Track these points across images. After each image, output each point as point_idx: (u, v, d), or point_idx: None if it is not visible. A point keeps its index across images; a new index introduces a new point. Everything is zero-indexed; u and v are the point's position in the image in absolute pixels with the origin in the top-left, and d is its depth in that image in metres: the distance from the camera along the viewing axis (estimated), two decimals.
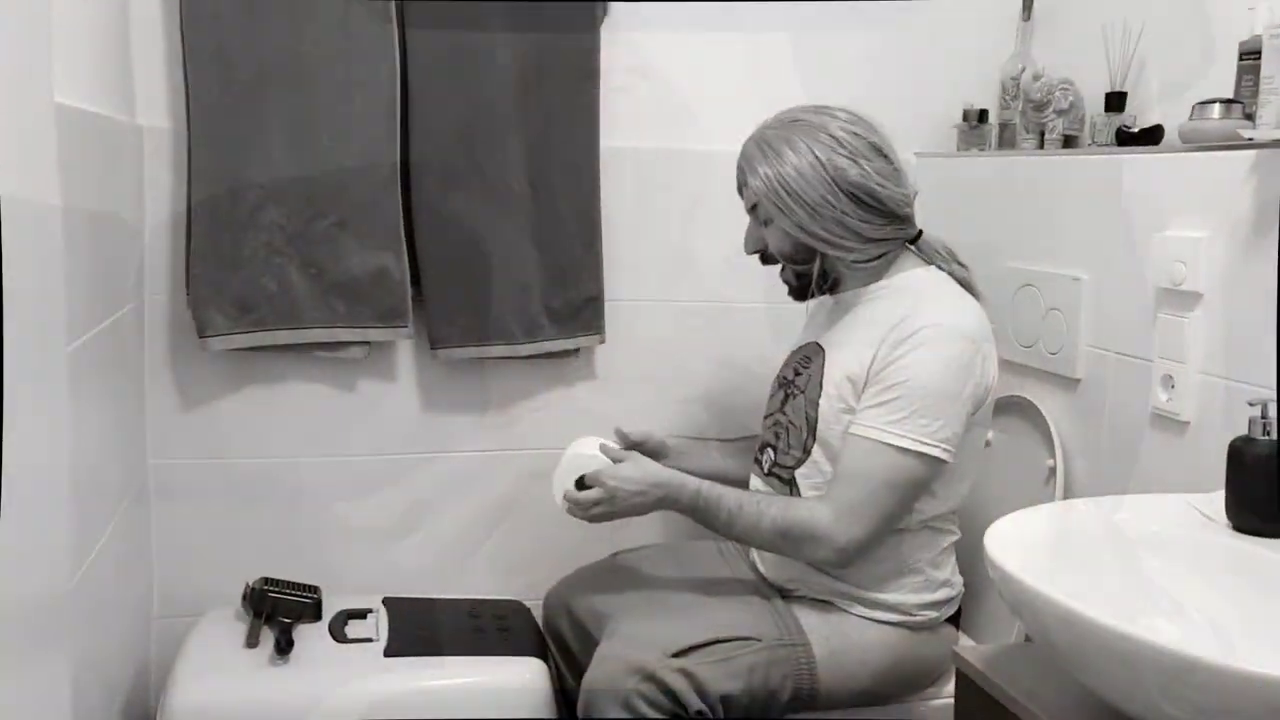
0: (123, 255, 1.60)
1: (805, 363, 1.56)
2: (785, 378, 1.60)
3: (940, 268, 1.51)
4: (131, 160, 1.66)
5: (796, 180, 1.43)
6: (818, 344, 1.56)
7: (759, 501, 1.46)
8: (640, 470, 1.48)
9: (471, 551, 1.95)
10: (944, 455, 1.40)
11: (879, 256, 1.49)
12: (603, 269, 1.88)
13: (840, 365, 1.48)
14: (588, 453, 1.54)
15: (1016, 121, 1.93)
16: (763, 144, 1.47)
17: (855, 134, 1.44)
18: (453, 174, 1.77)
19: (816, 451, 1.49)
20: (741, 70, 1.95)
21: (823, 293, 1.55)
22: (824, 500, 1.44)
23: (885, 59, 1.98)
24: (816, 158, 1.42)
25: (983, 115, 1.97)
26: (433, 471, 1.91)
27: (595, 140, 1.84)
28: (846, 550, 1.41)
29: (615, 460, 1.50)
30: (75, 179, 1.24)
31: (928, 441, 1.38)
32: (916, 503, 1.44)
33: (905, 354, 1.40)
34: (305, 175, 1.69)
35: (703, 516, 1.47)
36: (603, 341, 1.91)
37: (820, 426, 1.48)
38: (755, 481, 1.60)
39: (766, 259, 1.55)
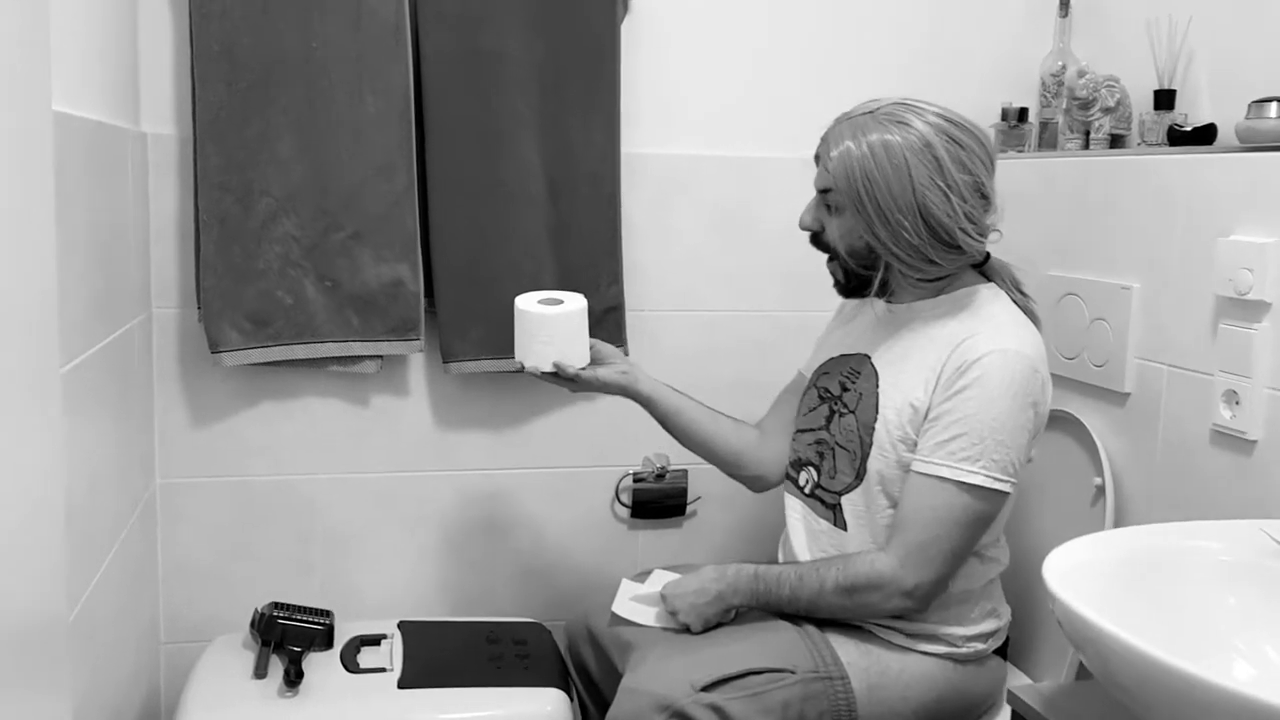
0: (128, 267, 1.54)
1: (852, 376, 1.48)
2: (828, 391, 1.51)
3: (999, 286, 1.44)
4: (136, 169, 1.60)
5: (884, 189, 1.33)
6: (867, 357, 1.47)
7: (817, 568, 1.40)
8: (695, 577, 1.44)
9: (489, 571, 1.89)
10: (1011, 489, 1.33)
11: (944, 277, 1.41)
12: (623, 279, 1.81)
13: (899, 389, 1.39)
14: (637, 584, 1.53)
15: (1059, 120, 1.87)
16: (859, 133, 1.35)
17: (961, 164, 1.33)
18: (469, 181, 1.71)
19: (869, 478, 1.41)
20: (767, 72, 1.89)
21: (869, 295, 1.46)
22: (887, 546, 1.37)
23: (917, 56, 1.92)
24: (911, 178, 1.32)
25: (1022, 114, 1.89)
26: (447, 488, 1.85)
27: (615, 145, 1.78)
28: (915, 594, 1.34)
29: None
30: (73, 190, 1.18)
31: (997, 476, 1.31)
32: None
33: (970, 384, 1.32)
34: (319, 184, 1.64)
35: (765, 599, 1.41)
36: (626, 354, 1.82)
37: (874, 452, 1.40)
38: (792, 501, 1.53)
39: (820, 243, 1.46)
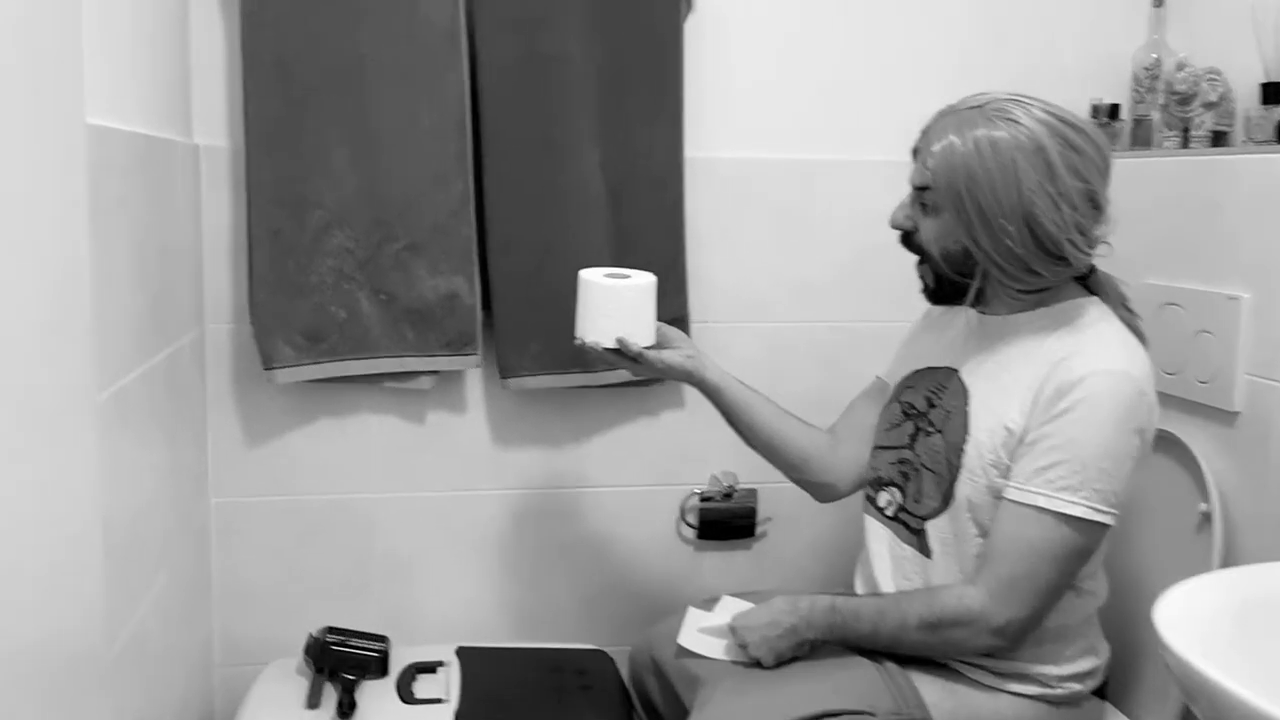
0: (179, 284, 1.50)
1: (938, 392, 1.38)
2: (913, 406, 1.41)
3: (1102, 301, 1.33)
4: (187, 182, 1.57)
5: (988, 191, 1.24)
6: (955, 372, 1.37)
7: (899, 601, 1.31)
8: (767, 608, 1.35)
9: (549, 594, 1.83)
10: (1113, 521, 1.23)
11: (1045, 289, 1.31)
12: (688, 288, 1.74)
13: (993, 410, 1.29)
14: (705, 612, 1.45)
15: (1154, 117, 1.76)
16: (964, 128, 1.25)
17: (1074, 169, 1.23)
18: (527, 189, 1.65)
19: (957, 504, 1.31)
20: (837, 70, 1.80)
21: (963, 304, 1.36)
22: (976, 579, 1.27)
23: (998, 51, 1.81)
24: (1019, 181, 1.22)
25: (1114, 111, 1.78)
26: (506, 508, 1.79)
27: (679, 150, 1.71)
28: (1005, 631, 1.24)
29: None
30: (113, 207, 1.13)
31: (1099, 507, 1.21)
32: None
33: (1073, 407, 1.21)
34: (373, 196, 1.59)
35: (842, 633, 1.32)
36: None
37: (964, 476, 1.30)
38: (872, 524, 1.44)
39: (911, 244, 1.36)
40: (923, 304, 1.46)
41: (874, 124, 1.79)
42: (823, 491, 1.52)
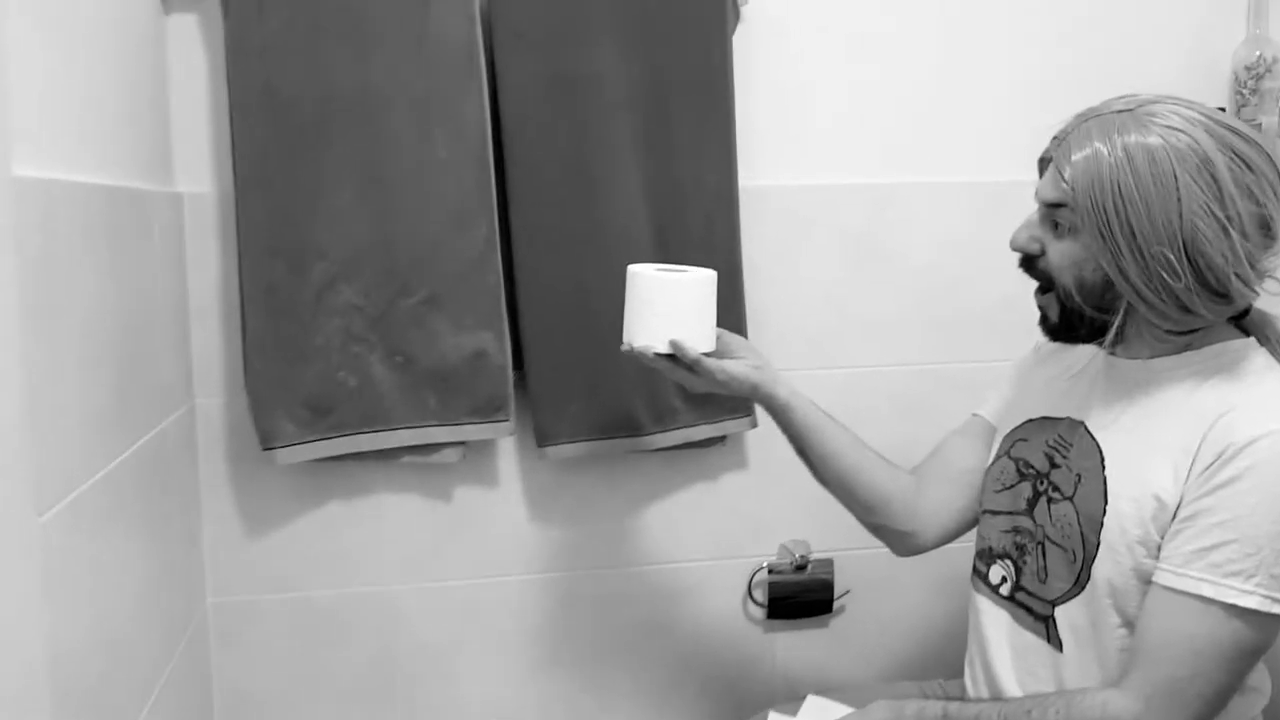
0: (160, 355, 1.30)
1: (1061, 449, 1.16)
2: (1029, 464, 1.20)
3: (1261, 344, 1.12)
4: (169, 236, 1.36)
5: (1141, 211, 1.02)
6: (1080, 424, 1.16)
7: (1028, 710, 1.07)
8: (864, 715, 1.14)
9: (601, 689, 1.62)
10: None
11: (1195, 330, 1.09)
12: (747, 331, 1.53)
13: (1137, 475, 1.07)
14: (789, 718, 1.28)
15: (1260, 121, 1.58)
16: (1113, 134, 1.04)
17: (1246, 190, 1.02)
18: (560, 230, 1.46)
19: (1095, 587, 1.09)
20: (905, 81, 1.61)
21: (1101, 344, 1.14)
22: (1124, 682, 1.05)
23: (1080, 54, 1.63)
24: (1180, 201, 1.01)
25: None
26: (548, 594, 1.59)
27: (732, 178, 1.51)
28: None
29: None
30: (57, 276, 0.92)
31: (1278, 597, 1.00)
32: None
33: (1240, 476, 1.00)
34: (383, 242, 1.40)
35: None
36: (755, 425, 1.55)
37: (1102, 554, 1.08)
38: (984, 604, 1.22)
39: (1033, 269, 1.15)
40: (1020, 341, 1.28)
41: (956, 141, 1.61)
42: (903, 542, 1.30)
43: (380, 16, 1.37)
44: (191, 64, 1.42)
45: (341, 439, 1.42)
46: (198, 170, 1.43)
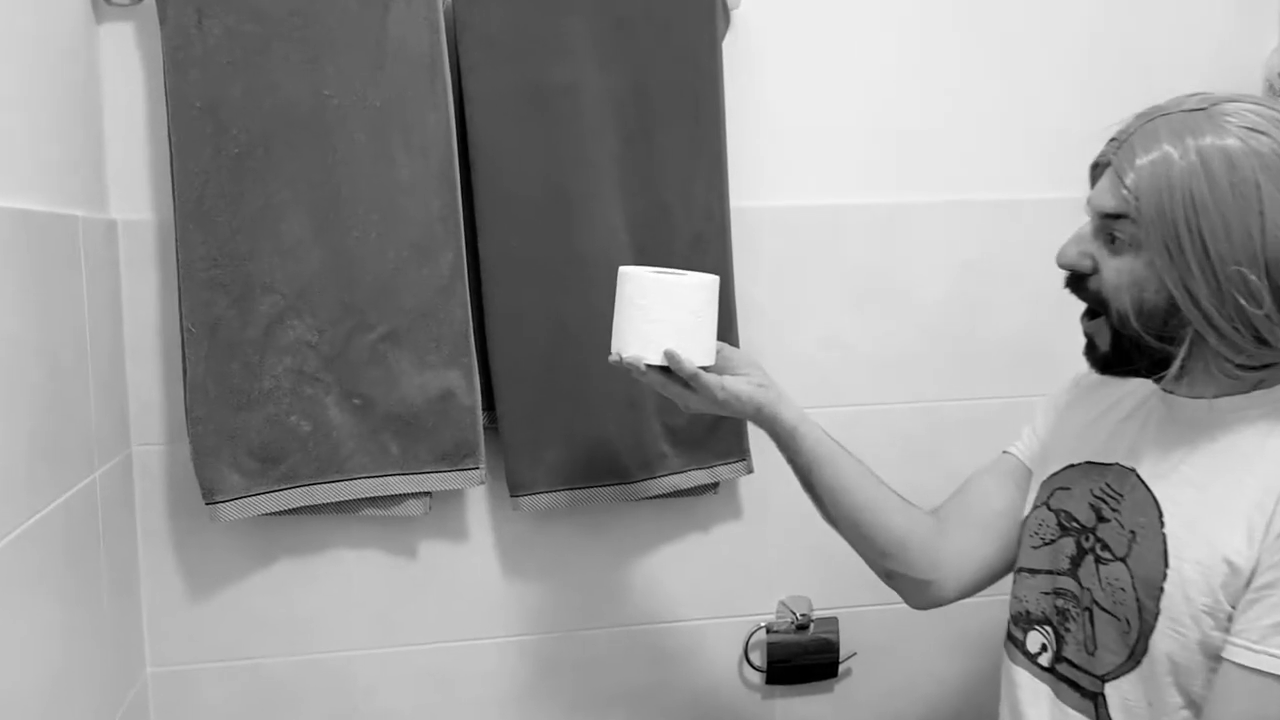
0: (88, 400, 1.19)
1: (1110, 500, 1.04)
2: (1073, 518, 1.07)
3: None
4: (100, 268, 1.25)
5: (1217, 226, 0.91)
6: (1132, 472, 1.03)
7: None
8: None
9: None
10: None
11: (1270, 365, 0.97)
12: None
13: (1204, 535, 0.95)
14: None
15: None
16: (1184, 136, 0.93)
17: None
18: (534, 257, 1.36)
19: (1154, 662, 0.97)
20: (912, 92, 1.51)
21: (1163, 379, 1.02)
22: None
23: (1101, 63, 1.54)
24: (1262, 216, 0.90)
25: None
26: (523, 658, 1.48)
27: (723, 199, 1.41)
28: None
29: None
30: None
31: None
32: None
33: None
34: (339, 273, 1.30)
35: None
36: (750, 470, 1.45)
37: (1162, 625, 0.96)
38: (1021, 676, 1.10)
39: (1082, 289, 1.03)
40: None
41: (958, 156, 1.51)
42: (921, 592, 1.17)
43: (333, 23, 1.27)
44: (128, 78, 1.31)
45: (294, 491, 1.31)
46: (134, 195, 1.32)
